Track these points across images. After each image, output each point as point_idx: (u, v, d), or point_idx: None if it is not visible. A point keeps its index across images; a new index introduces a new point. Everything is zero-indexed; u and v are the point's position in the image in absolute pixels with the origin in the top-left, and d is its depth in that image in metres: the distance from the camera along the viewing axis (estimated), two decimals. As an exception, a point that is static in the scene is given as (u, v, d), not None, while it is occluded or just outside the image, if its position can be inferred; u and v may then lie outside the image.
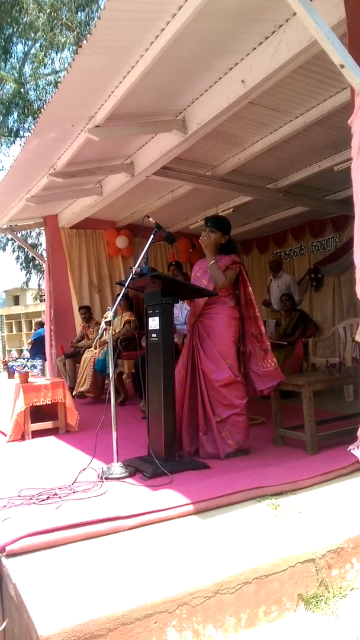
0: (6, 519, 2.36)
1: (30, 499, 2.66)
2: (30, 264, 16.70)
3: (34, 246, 15.34)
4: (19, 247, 15.96)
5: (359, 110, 2.58)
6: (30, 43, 15.31)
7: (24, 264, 16.95)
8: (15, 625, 1.81)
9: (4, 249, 17.03)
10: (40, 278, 16.15)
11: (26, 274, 17.28)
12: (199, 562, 1.87)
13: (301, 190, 6.48)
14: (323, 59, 3.30)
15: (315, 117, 4.36)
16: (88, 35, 3.00)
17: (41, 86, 15.98)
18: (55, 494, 2.70)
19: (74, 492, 2.74)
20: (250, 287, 3.49)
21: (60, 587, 1.73)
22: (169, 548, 2.00)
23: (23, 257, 16.85)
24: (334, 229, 7.69)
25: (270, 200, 6.50)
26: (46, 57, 15.38)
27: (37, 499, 2.65)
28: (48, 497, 2.67)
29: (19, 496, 2.73)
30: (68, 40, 14.55)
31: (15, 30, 14.51)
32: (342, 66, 2.49)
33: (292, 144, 5.09)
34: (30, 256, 16.09)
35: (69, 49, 14.94)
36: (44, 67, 15.95)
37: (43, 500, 2.64)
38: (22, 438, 4.42)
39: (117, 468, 3.04)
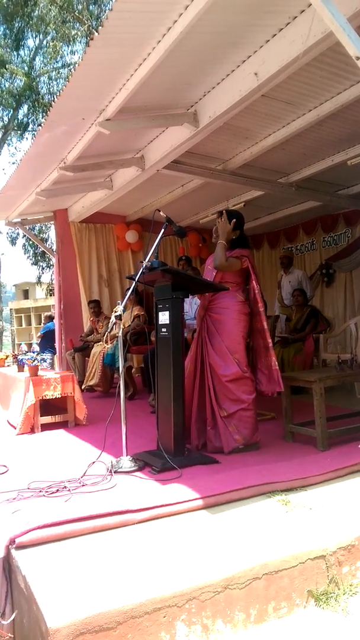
0: (16, 511, 2.37)
1: (40, 491, 2.67)
2: (41, 258, 16.80)
3: (44, 240, 15.41)
4: (30, 241, 16.05)
5: (374, 103, 2.54)
6: (41, 36, 15.30)
7: (34, 259, 17.05)
8: (24, 616, 1.82)
9: (14, 243, 17.13)
10: (51, 272, 16.25)
11: (38, 269, 17.40)
12: (209, 557, 1.86)
13: (313, 184, 6.41)
14: (338, 51, 3.25)
15: (329, 111, 4.29)
16: (100, 27, 2.98)
17: (52, 79, 16.00)
18: (65, 487, 2.71)
19: (83, 485, 2.75)
20: (254, 282, 3.46)
21: (70, 580, 1.74)
22: (178, 542, 2.00)
23: (32, 252, 16.95)
24: (346, 224, 7.61)
25: (281, 194, 6.44)
26: (57, 50, 15.37)
27: (47, 492, 2.66)
28: (57, 490, 2.68)
29: (28, 489, 2.74)
30: (79, 33, 14.53)
31: (26, 23, 14.51)
32: (358, 58, 2.45)
33: (304, 138, 5.03)
34: (41, 250, 16.17)
35: (80, 42, 14.93)
36: (55, 61, 15.96)
37: (52, 493, 2.65)
38: (32, 431, 4.44)
39: (126, 462, 3.05)
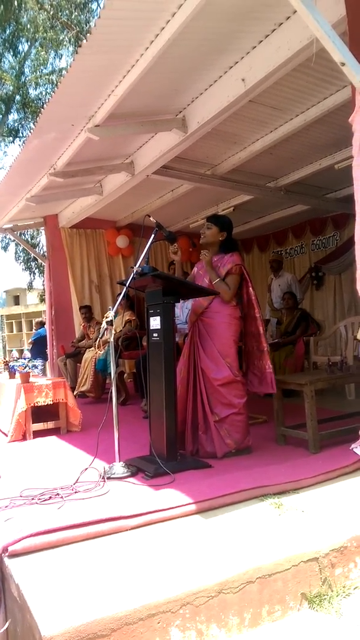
0: (8, 519, 2.36)
1: (33, 499, 2.66)
2: (33, 264, 16.74)
3: (35, 246, 15.36)
4: (22, 247, 15.99)
5: (359, 109, 2.57)
6: (29, 42, 15.30)
7: (26, 264, 16.98)
8: (18, 625, 1.81)
9: (6, 249, 17.06)
10: (43, 278, 16.22)
11: (30, 274, 17.33)
12: (202, 562, 1.86)
13: (302, 188, 6.47)
14: (323, 57, 3.28)
15: (316, 116, 4.35)
16: (88, 34, 2.99)
17: (41, 85, 15.99)
18: (57, 494, 2.70)
19: (75, 492, 2.74)
20: (251, 288, 3.48)
21: (63, 587, 1.73)
22: (171, 548, 2.00)
23: (25, 258, 16.88)
24: (335, 227, 7.68)
25: (270, 198, 6.49)
26: (45, 55, 15.37)
27: (39, 499, 2.64)
28: (50, 497, 2.67)
29: (21, 496, 2.73)
30: (67, 38, 14.55)
31: (15, 28, 14.50)
32: (343, 64, 2.49)
33: (292, 143, 5.08)
34: (32, 256, 16.12)
35: (67, 48, 14.95)
36: (44, 67, 15.96)
37: (45, 500, 2.64)
38: (24, 438, 4.42)
39: (119, 468, 3.04)
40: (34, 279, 17.33)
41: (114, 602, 1.63)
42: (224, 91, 3.83)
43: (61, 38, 15.18)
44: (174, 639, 1.66)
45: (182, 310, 5.43)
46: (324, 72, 3.74)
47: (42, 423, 4.52)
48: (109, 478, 2.95)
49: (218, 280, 3.40)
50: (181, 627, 1.68)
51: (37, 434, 4.47)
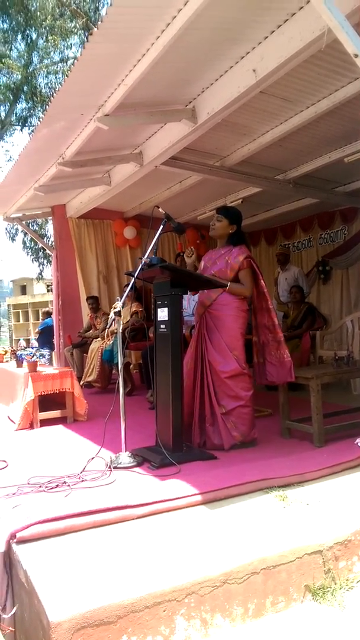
0: (16, 506, 2.39)
1: (40, 486, 2.69)
2: (42, 254, 16.75)
3: (43, 236, 15.37)
4: (30, 237, 16.01)
5: (372, 101, 2.55)
6: (38, 31, 15.20)
7: (35, 255, 17.00)
8: (25, 610, 1.83)
9: (13, 240, 17.08)
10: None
11: (39, 265, 17.36)
12: (207, 552, 1.88)
13: (311, 181, 6.42)
14: (336, 48, 3.25)
15: (327, 108, 4.30)
16: (99, 22, 2.97)
17: (51, 73, 15.91)
18: (64, 482, 2.73)
19: (82, 481, 2.77)
20: (262, 280, 3.48)
21: (70, 574, 1.76)
22: (177, 537, 2.02)
23: (33, 248, 16.89)
24: (343, 221, 7.63)
25: (279, 191, 6.44)
26: (54, 44, 15.28)
27: (47, 487, 2.67)
28: (57, 485, 2.69)
29: (28, 484, 2.76)
30: (77, 26, 14.44)
31: (24, 16, 14.41)
32: (357, 55, 2.46)
33: (302, 135, 5.03)
34: (41, 246, 16.14)
35: (78, 36, 14.84)
36: (53, 56, 15.87)
37: (52, 488, 2.66)
38: (31, 427, 4.46)
39: (125, 457, 3.07)
40: (43, 269, 17.35)
41: (121, 589, 1.65)
42: (235, 82, 3.79)
43: (70, 26, 15.08)
44: (179, 628, 1.68)
45: (189, 302, 5.44)
46: (336, 63, 3.69)
47: (49, 412, 4.55)
48: (115, 467, 2.98)
49: (230, 284, 3.39)
50: (186, 616, 1.70)
51: (44, 422, 4.50)
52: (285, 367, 3.40)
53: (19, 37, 15.27)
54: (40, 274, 17.83)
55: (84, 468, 2.93)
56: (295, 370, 3.46)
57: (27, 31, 15.16)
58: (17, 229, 16.38)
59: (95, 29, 3.04)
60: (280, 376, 3.43)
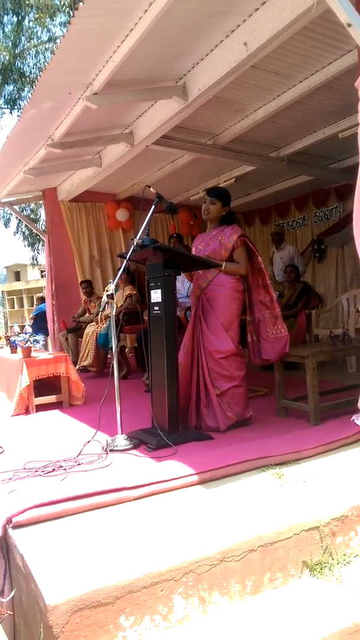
0: (12, 491, 2.38)
1: (36, 471, 2.68)
2: (37, 239, 16.60)
3: (35, 221, 15.22)
4: (25, 223, 15.85)
5: (366, 72, 2.49)
6: (24, 9, 14.83)
7: (30, 240, 16.84)
8: (23, 594, 1.84)
9: (7, 225, 16.92)
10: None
11: (33, 250, 17.21)
12: (205, 531, 1.88)
13: (305, 158, 6.34)
14: (328, 19, 3.18)
15: (320, 82, 4.22)
16: (84, -4, 2.88)
17: (39, 53, 15.58)
18: (61, 466, 2.72)
19: (79, 464, 2.76)
20: (259, 257, 3.46)
21: (67, 557, 1.75)
22: (174, 518, 2.02)
23: (28, 233, 16.72)
24: (338, 198, 7.57)
25: (273, 169, 6.37)
26: (41, 23, 14.93)
27: (43, 471, 2.67)
28: (53, 470, 2.69)
29: (24, 469, 2.75)
30: (65, 4, 14.10)
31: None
32: (349, 25, 2.39)
33: (295, 110, 4.95)
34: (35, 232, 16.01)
35: (66, 14, 14.50)
36: (41, 35, 15.52)
37: (48, 472, 2.66)
38: (27, 412, 4.45)
39: (121, 440, 3.06)
40: (38, 254, 17.21)
41: (118, 570, 1.65)
42: (226, 56, 3.70)
43: (57, 4, 14.72)
44: (177, 606, 1.69)
45: (183, 284, 5.40)
46: (330, 35, 3.62)
47: (44, 397, 4.54)
48: (111, 450, 2.98)
49: (225, 264, 3.36)
50: (184, 595, 1.70)
51: (40, 407, 4.49)
52: (281, 341, 3.41)
53: (4, 18, 14.90)
54: (35, 259, 17.70)
55: (80, 452, 2.93)
56: (290, 349, 3.45)
57: (13, 10, 14.78)
58: (10, 214, 16.22)
59: (81, 4, 2.94)
60: (276, 351, 3.44)
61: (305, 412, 3.34)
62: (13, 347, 5.12)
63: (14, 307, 18.94)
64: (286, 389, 3.56)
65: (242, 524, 1.92)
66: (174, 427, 3.08)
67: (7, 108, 16.39)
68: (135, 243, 3.20)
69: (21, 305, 18.61)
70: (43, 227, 11.85)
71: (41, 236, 8.47)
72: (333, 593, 1.80)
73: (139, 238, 3.21)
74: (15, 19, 15.08)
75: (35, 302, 11.89)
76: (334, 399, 3.44)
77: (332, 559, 1.99)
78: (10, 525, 2.01)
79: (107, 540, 1.86)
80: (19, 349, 4.81)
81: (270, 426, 3.32)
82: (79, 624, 1.53)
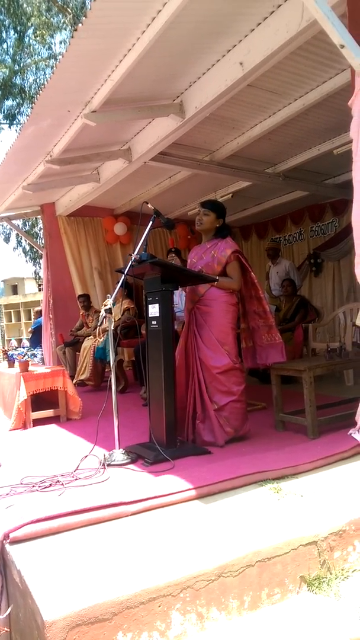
0: (9, 506, 2.38)
1: (33, 486, 2.67)
2: (37, 254, 16.65)
3: (34, 236, 15.28)
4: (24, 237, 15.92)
5: (359, 92, 2.54)
6: (25, 26, 15.07)
7: (31, 255, 16.87)
8: (20, 610, 1.83)
9: (7, 241, 16.98)
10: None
11: (34, 264, 17.24)
12: (202, 546, 1.88)
13: (300, 174, 6.43)
14: (322, 39, 3.25)
15: (315, 100, 4.30)
16: (84, 18, 2.94)
17: (39, 70, 15.80)
18: (58, 481, 2.71)
19: (76, 479, 2.76)
20: (252, 273, 3.49)
21: (65, 573, 1.75)
22: (172, 533, 2.02)
23: (30, 248, 16.76)
24: (334, 213, 7.65)
25: (269, 185, 6.45)
26: (42, 40, 15.17)
27: (40, 487, 2.66)
28: (50, 485, 2.68)
29: (21, 484, 2.74)
30: (66, 22, 14.34)
31: (7, 10, 14.27)
32: (342, 46, 2.46)
33: (291, 127, 5.03)
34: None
35: (65, 30, 14.74)
36: (41, 52, 15.74)
37: (45, 487, 2.65)
38: (24, 426, 4.44)
39: (118, 455, 3.06)
40: (40, 268, 17.24)
41: (115, 586, 1.64)
42: (222, 75, 3.78)
43: (57, 22, 14.98)
44: (175, 622, 1.68)
45: (181, 297, 5.42)
46: (324, 55, 3.70)
47: (42, 411, 4.53)
48: (109, 465, 2.97)
49: (219, 279, 3.38)
50: (182, 611, 1.70)
51: (37, 422, 4.48)
52: (276, 348, 3.46)
53: (4, 34, 15.12)
54: (37, 274, 17.71)
55: (78, 466, 2.92)
56: (288, 363, 3.47)
57: (14, 27, 15.01)
58: (10, 230, 16.28)
59: (80, 25, 3.01)
60: (271, 357, 3.48)
61: (303, 426, 3.34)
62: (10, 361, 5.12)
63: (11, 321, 18.90)
64: (284, 403, 3.57)
65: (239, 539, 1.92)
66: (171, 441, 3.08)
67: (6, 123, 16.56)
68: (133, 258, 3.23)
69: (18, 319, 18.57)
70: (42, 243, 11.91)
71: (39, 250, 8.51)
72: (331, 608, 1.79)
73: (137, 253, 3.24)
74: (15, 35, 15.31)
75: (33, 316, 11.86)
76: (332, 413, 3.45)
77: (330, 573, 1.98)
78: (8, 540, 2.00)
79: (105, 556, 1.86)
80: (16, 363, 4.81)
81: (267, 440, 3.31)
82: (77, 641, 1.53)
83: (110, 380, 3.22)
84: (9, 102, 16.12)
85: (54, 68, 3.45)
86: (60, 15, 14.91)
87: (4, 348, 7.10)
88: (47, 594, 1.62)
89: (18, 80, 15.60)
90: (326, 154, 5.58)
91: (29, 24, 14.94)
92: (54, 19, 15.00)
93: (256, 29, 3.39)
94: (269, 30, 3.29)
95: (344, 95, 4.30)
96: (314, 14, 2.47)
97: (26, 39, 15.61)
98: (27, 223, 15.25)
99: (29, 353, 4.93)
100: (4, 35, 15.10)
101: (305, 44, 3.43)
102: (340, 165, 6.10)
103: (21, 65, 15.81)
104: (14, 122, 16.15)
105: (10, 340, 7.45)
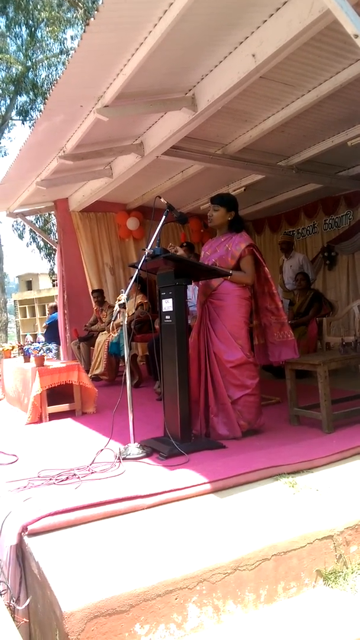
0: (27, 499, 2.41)
1: (50, 479, 2.70)
2: (52, 250, 16.75)
3: (48, 232, 15.36)
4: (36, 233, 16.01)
5: (374, 82, 2.51)
6: (37, 22, 15.10)
7: (46, 251, 16.98)
8: (38, 602, 1.85)
9: (21, 237, 17.11)
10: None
11: (50, 261, 17.36)
12: (218, 540, 1.89)
13: (314, 166, 6.36)
14: (336, 29, 3.20)
15: (328, 91, 4.24)
16: (95, 12, 2.94)
17: (51, 65, 15.82)
18: (74, 475, 2.74)
19: (92, 473, 2.78)
20: (266, 267, 3.47)
21: (82, 565, 1.77)
22: (187, 526, 2.03)
23: (44, 244, 16.87)
24: (348, 205, 7.56)
25: (282, 178, 6.39)
26: (53, 36, 15.19)
27: (57, 480, 2.69)
28: (67, 478, 2.71)
29: (38, 477, 2.78)
30: (77, 17, 14.34)
31: (18, 7, 14.31)
32: (357, 36, 2.42)
33: (304, 119, 4.97)
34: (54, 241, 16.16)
35: (77, 26, 14.74)
36: (53, 47, 15.77)
37: (62, 480, 2.68)
38: (40, 420, 4.49)
39: (134, 449, 3.08)
40: (54, 264, 17.37)
41: (132, 579, 1.66)
42: (234, 67, 3.74)
43: (68, 17, 14.98)
44: (192, 615, 1.69)
45: (194, 292, 5.42)
46: (337, 45, 3.63)
47: (57, 405, 4.58)
48: (124, 459, 2.99)
49: (233, 273, 3.37)
50: (198, 603, 1.71)
51: (53, 416, 4.53)
52: (289, 345, 3.45)
53: (16, 29, 15.18)
54: (52, 269, 17.84)
55: (94, 460, 2.95)
56: (302, 357, 3.45)
57: (26, 23, 15.05)
58: (23, 226, 16.38)
59: (92, 19, 3.00)
60: (283, 354, 3.47)
61: (317, 420, 3.33)
62: (26, 356, 5.17)
63: (26, 316, 19.05)
64: (298, 397, 3.56)
65: (255, 533, 1.92)
66: (186, 435, 3.09)
67: (19, 119, 16.65)
68: (146, 253, 3.23)
69: (33, 314, 18.71)
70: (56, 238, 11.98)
71: (53, 246, 8.56)
72: (348, 602, 1.79)
73: (150, 248, 3.25)
74: (27, 31, 15.35)
75: (48, 311, 11.96)
76: (347, 407, 3.43)
77: (347, 568, 1.98)
78: (26, 533, 2.03)
79: (122, 548, 1.88)
80: (32, 358, 4.85)
81: (282, 434, 3.31)
82: (95, 632, 1.55)
83: (125, 375, 3.24)
84: (22, 99, 16.20)
85: (66, 63, 3.45)
86: (72, 10, 14.91)
87: (19, 343, 7.17)
88: (65, 585, 1.64)
89: (30, 76, 15.65)
90: (340, 146, 5.51)
91: (41, 19, 14.96)
92: (65, 14, 15.00)
93: (268, 20, 3.35)
94: (282, 21, 3.25)
95: (358, 85, 4.26)
96: (327, 4, 2.43)
97: (38, 34, 15.64)
98: (40, 219, 15.33)
99: (44, 348, 4.97)
100: (17, 31, 15.16)
101: (318, 34, 3.38)
102: (355, 157, 6.03)
103: (33, 60, 15.85)
104: (27, 119, 16.23)
105: (26, 335, 7.50)
